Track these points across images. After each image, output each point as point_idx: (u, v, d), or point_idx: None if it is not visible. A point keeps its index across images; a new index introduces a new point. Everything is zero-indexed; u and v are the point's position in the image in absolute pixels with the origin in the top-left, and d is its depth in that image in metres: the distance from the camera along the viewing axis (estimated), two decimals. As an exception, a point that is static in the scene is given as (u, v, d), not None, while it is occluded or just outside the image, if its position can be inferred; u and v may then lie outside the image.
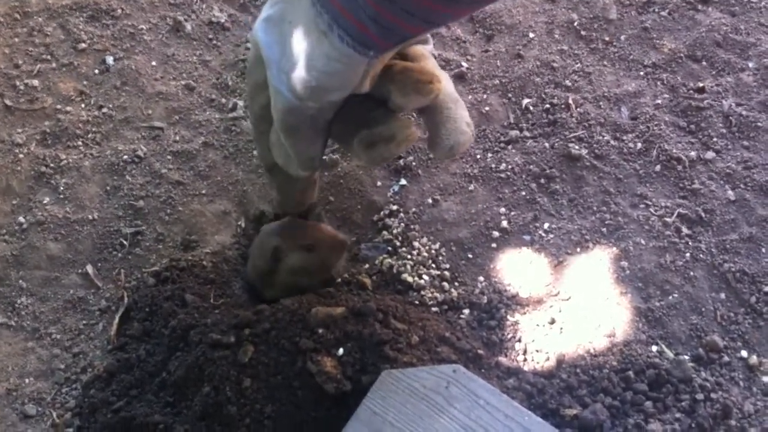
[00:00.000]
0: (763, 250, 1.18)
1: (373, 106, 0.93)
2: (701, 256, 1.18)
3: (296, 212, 1.19)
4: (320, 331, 0.99)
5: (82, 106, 1.35)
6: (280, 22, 0.82)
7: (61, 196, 1.25)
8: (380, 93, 0.91)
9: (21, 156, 1.28)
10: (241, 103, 1.37)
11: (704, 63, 1.41)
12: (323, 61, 0.79)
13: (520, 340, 1.11)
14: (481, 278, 1.17)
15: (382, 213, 1.25)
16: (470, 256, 1.20)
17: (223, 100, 1.38)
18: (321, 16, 0.76)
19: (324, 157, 1.29)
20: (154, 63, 1.42)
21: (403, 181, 1.28)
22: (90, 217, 1.23)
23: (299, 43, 0.80)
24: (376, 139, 0.91)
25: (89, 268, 1.18)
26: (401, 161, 1.29)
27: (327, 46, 0.77)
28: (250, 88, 0.98)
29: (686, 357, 1.08)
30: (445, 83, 0.99)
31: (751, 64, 1.40)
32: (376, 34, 0.76)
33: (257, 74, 0.92)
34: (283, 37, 0.82)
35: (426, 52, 1.04)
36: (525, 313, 1.13)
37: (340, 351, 0.98)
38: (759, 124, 1.31)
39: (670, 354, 1.09)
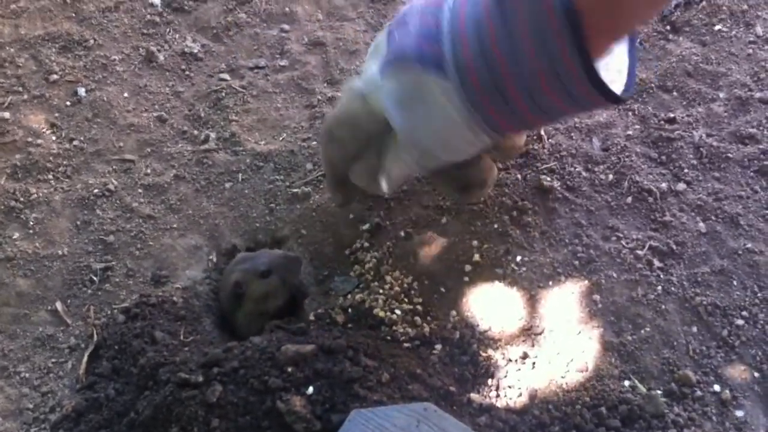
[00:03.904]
0: (734, 282, 1.18)
1: None
2: (673, 289, 1.18)
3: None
4: (289, 369, 0.99)
5: (53, 138, 1.35)
6: (416, 101, 0.90)
7: (31, 231, 1.24)
8: None
9: (-10, 190, 1.27)
10: (213, 135, 1.36)
11: (675, 93, 1.42)
12: (462, 145, 0.92)
13: (492, 376, 1.10)
14: (454, 312, 1.17)
15: (354, 246, 1.24)
16: (443, 290, 1.19)
17: (195, 132, 1.37)
18: (472, 115, 0.86)
19: (296, 191, 1.29)
20: (126, 94, 1.42)
21: (376, 215, 1.27)
22: (60, 252, 1.22)
23: (441, 128, 0.90)
24: (470, 183, 1.10)
25: (59, 305, 1.17)
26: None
27: (470, 135, 0.89)
28: (349, 137, 1.03)
29: (659, 392, 1.08)
30: None
31: (721, 95, 1.41)
32: (511, 124, 0.90)
33: (365, 129, 1.00)
34: (416, 115, 0.90)
35: None
36: (497, 348, 1.13)
37: (310, 389, 0.97)
38: (729, 155, 1.32)
39: (642, 389, 1.08)
